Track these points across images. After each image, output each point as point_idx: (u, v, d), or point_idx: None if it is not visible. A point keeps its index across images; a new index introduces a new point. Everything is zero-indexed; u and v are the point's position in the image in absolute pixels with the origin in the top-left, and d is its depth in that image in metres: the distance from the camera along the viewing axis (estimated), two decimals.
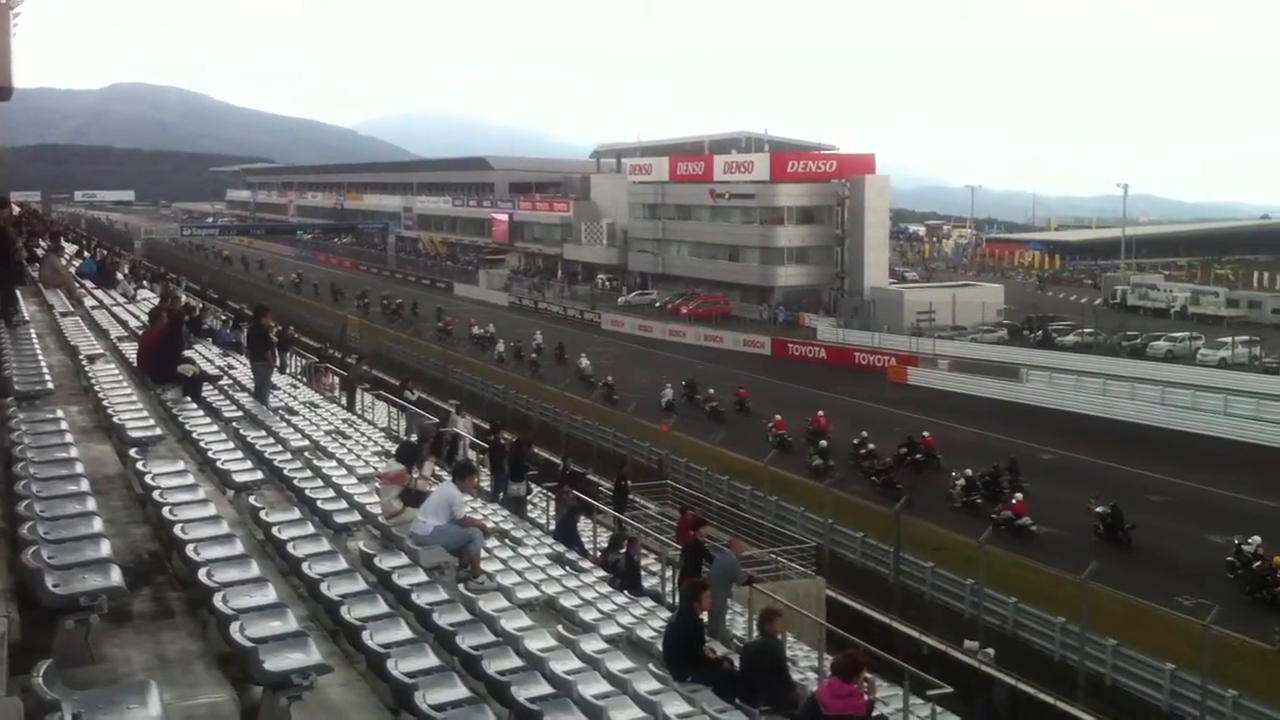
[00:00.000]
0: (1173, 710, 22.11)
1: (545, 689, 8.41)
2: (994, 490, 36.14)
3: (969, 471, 36.95)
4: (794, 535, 29.41)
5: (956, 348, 64.92)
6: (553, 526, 21.48)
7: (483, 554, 12.43)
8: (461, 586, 11.34)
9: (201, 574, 8.23)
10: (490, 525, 15.36)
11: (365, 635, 8.15)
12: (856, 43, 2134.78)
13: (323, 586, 9.01)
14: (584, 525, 22.36)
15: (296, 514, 11.17)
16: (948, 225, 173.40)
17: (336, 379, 32.42)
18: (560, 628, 11.71)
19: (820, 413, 46.08)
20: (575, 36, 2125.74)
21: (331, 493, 12.89)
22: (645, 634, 13.51)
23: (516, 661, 8.85)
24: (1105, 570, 25.72)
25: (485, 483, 23.15)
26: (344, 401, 29.36)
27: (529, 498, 23.54)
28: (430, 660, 7.98)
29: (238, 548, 8.96)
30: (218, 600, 7.71)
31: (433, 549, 11.57)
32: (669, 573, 18.88)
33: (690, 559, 16.14)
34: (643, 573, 19.44)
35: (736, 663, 12.08)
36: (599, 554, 19.68)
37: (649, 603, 16.66)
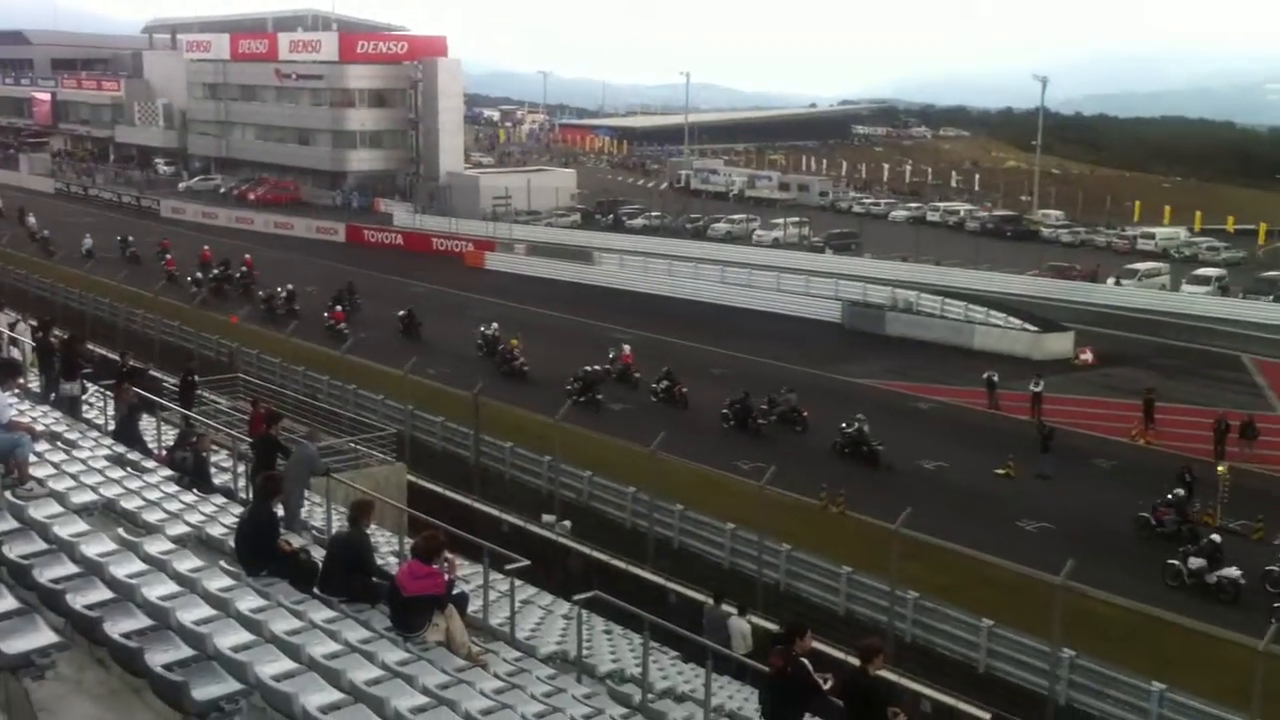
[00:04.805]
0: (734, 565, 23.96)
1: (105, 594, 8.02)
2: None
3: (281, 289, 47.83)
4: (374, 423, 29.20)
5: (532, 232, 66.14)
6: (112, 427, 20.25)
7: (31, 458, 11.64)
8: (9, 494, 10.54)
9: None
10: (39, 428, 14.27)
11: None
12: None
13: None
14: (147, 424, 21.21)
15: None
16: (521, 110, 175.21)
17: None
18: (121, 531, 11.12)
19: (206, 247, 57.89)
20: None
21: None
22: (216, 531, 13.05)
23: (72, 569, 8.38)
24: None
25: (35, 384, 21.47)
26: None
27: (84, 397, 22.03)
28: None
29: None
30: None
31: None
32: (241, 468, 18.30)
33: (263, 453, 15.72)
34: (213, 469, 18.75)
35: (315, 554, 11.94)
36: (165, 453, 18.77)
37: (220, 499, 16.09)
